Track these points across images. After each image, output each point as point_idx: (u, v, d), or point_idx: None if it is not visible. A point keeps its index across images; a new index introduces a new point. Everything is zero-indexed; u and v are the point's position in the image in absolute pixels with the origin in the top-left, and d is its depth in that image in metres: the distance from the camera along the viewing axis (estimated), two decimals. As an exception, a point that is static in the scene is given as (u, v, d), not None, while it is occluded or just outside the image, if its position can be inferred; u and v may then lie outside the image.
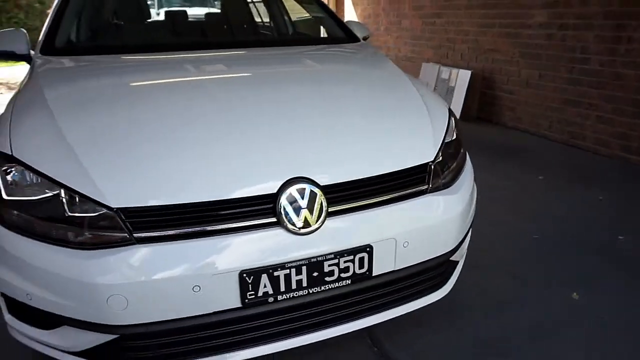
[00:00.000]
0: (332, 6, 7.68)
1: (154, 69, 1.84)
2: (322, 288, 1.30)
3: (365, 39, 2.72)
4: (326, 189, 1.28)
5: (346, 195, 1.33)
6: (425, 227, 1.42)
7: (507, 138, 4.33)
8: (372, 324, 1.43)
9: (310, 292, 1.29)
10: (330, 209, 1.29)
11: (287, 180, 1.25)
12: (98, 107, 1.45)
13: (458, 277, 1.70)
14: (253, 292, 1.22)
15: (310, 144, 1.37)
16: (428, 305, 1.56)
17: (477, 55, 4.89)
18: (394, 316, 1.48)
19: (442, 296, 1.59)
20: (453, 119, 1.80)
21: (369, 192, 1.36)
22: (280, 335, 1.31)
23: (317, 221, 1.25)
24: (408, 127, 1.58)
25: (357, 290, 1.37)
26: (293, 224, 1.22)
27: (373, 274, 1.36)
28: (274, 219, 1.22)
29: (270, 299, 1.24)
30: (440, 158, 1.54)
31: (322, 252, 1.26)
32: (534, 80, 4.26)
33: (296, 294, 1.27)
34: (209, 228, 1.18)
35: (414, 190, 1.43)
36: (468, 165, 1.75)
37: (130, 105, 1.48)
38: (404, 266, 1.41)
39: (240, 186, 1.22)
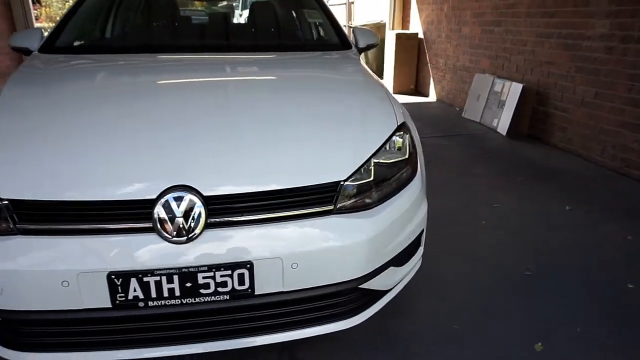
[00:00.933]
0: (397, 12, 7.51)
1: (123, 70, 1.95)
2: (198, 300, 1.28)
3: (370, 47, 2.63)
4: (210, 200, 1.27)
5: (233, 209, 1.30)
6: (322, 250, 1.34)
7: (552, 160, 3.91)
8: (264, 343, 1.38)
9: (185, 302, 1.28)
10: (213, 220, 1.27)
11: (170, 187, 1.25)
12: (37, 106, 1.57)
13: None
14: (123, 295, 1.24)
15: (207, 153, 1.36)
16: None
17: (532, 68, 4.48)
18: (290, 339, 1.41)
19: (352, 325, 1.48)
20: (407, 136, 1.68)
21: (260, 208, 1.32)
22: (156, 341, 1.32)
23: (192, 231, 1.24)
24: (332, 141, 1.49)
25: (241, 307, 1.33)
26: (167, 232, 1.23)
27: (256, 293, 1.31)
28: (149, 225, 1.24)
29: (141, 304, 1.26)
30: (361, 178, 1.44)
31: (195, 263, 1.25)
32: (589, 98, 3.80)
33: (168, 302, 1.27)
34: (83, 226, 1.23)
35: (314, 210, 1.36)
36: (412, 188, 1.61)
37: (68, 105, 1.58)
38: (296, 289, 1.34)
39: (120, 189, 1.25)
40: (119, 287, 1.23)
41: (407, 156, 1.66)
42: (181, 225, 1.23)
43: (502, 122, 4.69)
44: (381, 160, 1.56)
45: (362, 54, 2.70)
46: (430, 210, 2.85)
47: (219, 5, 4.33)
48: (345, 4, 11.72)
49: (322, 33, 2.58)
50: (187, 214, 1.23)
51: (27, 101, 1.61)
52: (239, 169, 1.34)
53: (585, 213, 2.87)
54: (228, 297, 1.30)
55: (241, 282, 1.29)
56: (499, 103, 4.82)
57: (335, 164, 1.42)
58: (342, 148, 1.47)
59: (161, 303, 1.26)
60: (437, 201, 3.00)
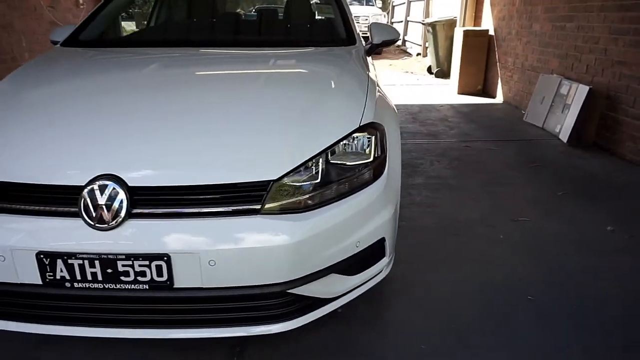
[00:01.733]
0: (470, 7, 7.09)
1: (110, 64, 2.04)
2: (119, 286, 1.32)
3: (387, 43, 2.51)
4: (135, 191, 1.29)
5: (157, 200, 1.31)
6: (241, 250, 1.30)
7: (613, 174, 3.44)
8: (183, 337, 1.39)
9: (107, 287, 1.32)
10: (137, 211, 1.30)
11: (100, 176, 1.30)
12: (23, 93, 1.72)
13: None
14: (51, 274, 1.31)
15: (138, 145, 1.38)
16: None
17: (603, 69, 3.97)
18: (211, 336, 1.40)
19: (284, 330, 1.43)
20: (374, 137, 1.58)
21: (184, 202, 1.32)
22: (82, 321, 1.38)
23: (114, 219, 1.27)
24: (274, 138, 1.45)
25: (160, 299, 1.35)
26: (90, 218, 1.28)
27: (175, 286, 1.31)
28: (75, 209, 1.29)
29: (68, 284, 1.32)
30: (301, 178, 1.38)
31: (114, 250, 1.28)
32: (664, 104, 3.28)
33: (92, 285, 1.32)
34: (17, 206, 1.32)
35: (239, 208, 1.33)
36: (367, 193, 1.51)
37: (32, 96, 1.70)
38: (215, 286, 1.32)
39: (52, 174, 1.32)
40: (47, 267, 1.30)
41: (370, 159, 1.56)
42: (104, 213, 1.27)
43: (565, 128, 4.22)
44: (335, 161, 1.48)
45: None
46: (440, 218, 2.68)
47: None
48: None
49: (334, 28, 2.51)
50: (110, 203, 1.27)
51: (20, 91, 1.76)
52: (167, 161, 1.35)
53: (629, 238, 2.49)
54: (147, 287, 1.32)
55: (159, 274, 1.30)
56: (564, 107, 4.34)
57: (269, 162, 1.37)
58: (281, 146, 1.42)
59: (86, 285, 1.32)
60: (453, 209, 2.81)
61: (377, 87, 2.13)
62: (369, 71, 2.14)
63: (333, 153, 1.49)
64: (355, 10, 12.22)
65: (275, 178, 1.34)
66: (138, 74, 1.89)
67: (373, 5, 13.04)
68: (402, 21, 14.02)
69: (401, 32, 14.24)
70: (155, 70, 1.92)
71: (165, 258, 1.28)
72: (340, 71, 1.87)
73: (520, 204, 2.91)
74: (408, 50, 12.74)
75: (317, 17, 2.61)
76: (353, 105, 1.65)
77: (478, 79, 6.70)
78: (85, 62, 2.05)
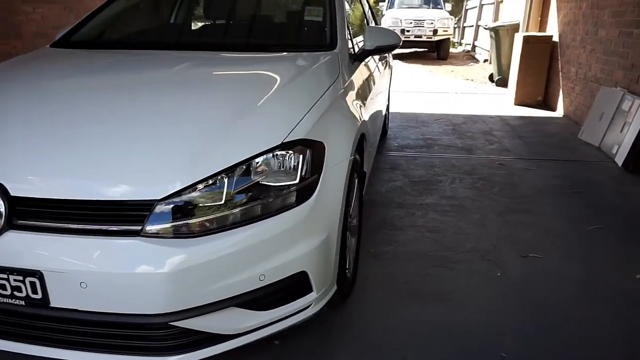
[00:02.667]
0: (534, 11, 6.47)
1: (72, 67, 1.97)
2: None
3: (383, 49, 2.28)
4: (19, 201, 1.22)
5: (38, 213, 1.23)
6: (112, 275, 1.18)
7: (671, 208, 2.89)
8: (60, 357, 1.28)
9: None
10: (18, 223, 1.22)
11: None
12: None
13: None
14: None
15: (27, 153, 1.30)
16: None
17: (673, 83, 3.38)
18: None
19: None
20: (302, 157, 1.39)
21: (69, 216, 1.22)
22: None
23: None
24: (171, 153, 1.30)
25: (38, 316, 1.26)
26: None
27: (51, 305, 1.22)
28: None
29: None
30: (197, 198, 1.24)
31: None
32: None
33: None
34: None
35: (119, 228, 1.20)
36: (281, 219, 1.32)
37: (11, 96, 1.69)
38: (94, 310, 1.21)
39: None
40: None
41: (296, 181, 1.37)
42: None
43: (621, 150, 3.65)
44: (249, 180, 1.32)
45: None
46: (437, 246, 2.38)
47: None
48: (494, 3, 10.63)
49: (318, 32, 2.31)
50: (-10, 212, 1.21)
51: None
52: (54, 172, 1.26)
53: (662, 289, 2.03)
54: (24, 303, 1.24)
55: (34, 291, 1.21)
56: (624, 125, 3.76)
57: (159, 179, 1.24)
58: (179, 161, 1.27)
59: (-34, 293, 1.27)
60: (457, 237, 2.50)
61: (351, 99, 1.93)
62: (344, 79, 1.93)
63: (248, 171, 1.32)
64: (420, 14, 11.76)
65: (159, 198, 1.21)
66: (79, 79, 1.82)
67: (441, 9, 12.45)
68: (473, 25, 13.30)
69: (472, 37, 13.51)
70: (96, 75, 1.85)
71: (37, 275, 1.19)
72: (286, 80, 1.69)
73: (538, 237, 2.52)
74: (476, 57, 12.04)
75: (305, 19, 2.43)
76: (283, 119, 1.46)
77: (538, 89, 6.09)
78: (44, 65, 2.01)
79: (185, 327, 1.25)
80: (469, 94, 7.14)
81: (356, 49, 2.32)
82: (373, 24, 3.95)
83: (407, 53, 13.88)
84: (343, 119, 1.69)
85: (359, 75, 2.20)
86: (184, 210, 1.23)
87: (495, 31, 7.59)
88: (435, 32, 11.43)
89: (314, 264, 1.42)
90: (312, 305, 1.47)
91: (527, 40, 5.90)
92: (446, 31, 11.57)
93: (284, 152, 1.38)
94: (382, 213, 2.78)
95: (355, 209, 2.08)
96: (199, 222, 1.24)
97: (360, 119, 1.94)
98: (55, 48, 2.28)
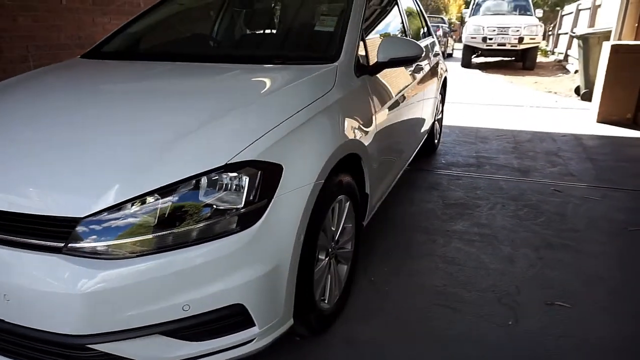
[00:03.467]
0: (630, 16, 5.70)
1: (80, 77, 2.02)
2: None
3: (398, 62, 2.10)
4: None
5: None
6: (29, 290, 1.16)
7: None
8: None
9: None
10: None
11: None
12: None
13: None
14: None
15: None
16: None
17: None
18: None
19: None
20: (249, 180, 1.29)
21: (8, 227, 1.23)
22: None
23: None
24: (107, 169, 1.26)
25: None
26: None
27: None
28: None
29: None
30: (124, 217, 1.19)
31: None
32: None
33: None
34: None
35: (47, 243, 1.19)
36: (216, 246, 1.24)
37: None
38: (18, 323, 1.21)
39: None
40: None
41: (240, 205, 1.28)
42: None
43: None
44: (186, 202, 1.25)
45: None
46: (450, 281, 2.17)
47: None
48: (590, 8, 9.62)
49: (324, 42, 2.18)
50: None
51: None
52: (11, 186, 1.27)
53: None
54: None
55: None
56: None
57: (86, 195, 1.20)
58: (106, 180, 1.23)
59: None
60: (476, 272, 2.27)
61: (345, 115, 1.79)
62: (339, 94, 1.79)
63: (185, 191, 1.25)
64: (505, 20, 11.02)
65: (82, 215, 1.17)
66: (58, 92, 1.82)
67: (530, 15, 11.53)
68: (567, 33, 12.17)
69: (565, 45, 12.35)
70: (81, 87, 1.86)
71: None
72: (258, 95, 1.59)
73: (573, 282, 2.15)
74: (568, 67, 10.99)
75: (316, 29, 2.31)
76: (237, 137, 1.36)
77: (627, 105, 5.35)
78: (58, 76, 2.09)
79: (105, 351, 1.21)
80: (547, 108, 6.50)
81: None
82: (424, 32, 3.73)
83: (490, 62, 13.11)
84: (317, 138, 1.55)
85: (367, 90, 2.03)
86: (108, 229, 1.19)
87: (584, 39, 6.84)
88: (520, 40, 10.65)
89: (255, 297, 1.30)
90: (255, 340, 1.36)
91: (616, 49, 5.22)
92: (533, 39, 10.72)
93: (228, 174, 1.29)
94: (399, 237, 2.57)
95: (348, 235, 1.93)
96: (123, 243, 1.19)
97: (353, 137, 1.79)
98: (83, 59, 2.39)
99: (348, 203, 1.85)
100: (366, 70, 2.08)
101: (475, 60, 12.70)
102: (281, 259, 1.36)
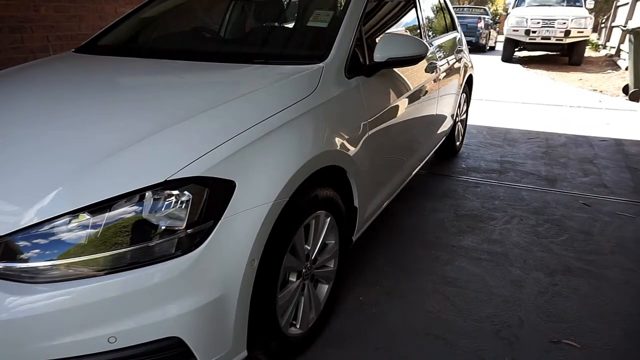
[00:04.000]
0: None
1: (64, 73, 1.93)
2: None
3: (396, 62, 1.90)
4: None
5: None
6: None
7: None
8: None
9: None
10: None
11: None
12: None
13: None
14: None
15: None
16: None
17: None
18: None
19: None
20: (193, 199, 1.16)
21: None
22: None
23: None
24: (37, 182, 1.15)
25: None
26: None
27: None
28: None
29: None
30: (42, 237, 1.08)
31: None
32: None
33: None
34: None
35: None
36: (146, 272, 1.11)
37: None
38: None
39: None
40: None
41: (182, 227, 1.15)
42: None
43: None
44: (115, 224, 1.12)
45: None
46: (442, 306, 1.94)
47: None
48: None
49: (314, 40, 1.99)
50: None
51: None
52: None
53: None
54: None
55: None
56: None
57: (11, 212, 1.10)
58: (28, 194, 1.12)
59: None
60: (475, 295, 2.09)
61: (330, 121, 1.62)
62: (323, 97, 1.62)
63: (118, 210, 1.12)
64: (551, 12, 10.34)
65: (6, 233, 1.07)
66: (49, 86, 1.74)
67: (580, 6, 10.75)
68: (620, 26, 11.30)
69: (618, 38, 11.48)
70: (61, 83, 1.76)
71: None
72: (222, 100, 1.42)
73: (588, 317, 1.90)
74: (619, 63, 10.22)
75: (309, 25, 2.12)
76: (184, 150, 1.22)
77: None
78: (43, 70, 2.00)
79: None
80: (589, 108, 6.03)
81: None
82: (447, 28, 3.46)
83: (533, 57, 12.42)
84: (283, 150, 1.38)
85: (360, 93, 1.84)
86: (28, 248, 1.08)
87: (636, 34, 6.29)
88: (567, 33, 9.97)
89: (195, 329, 1.17)
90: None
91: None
92: (582, 32, 10.01)
93: (169, 192, 1.15)
94: (398, 251, 2.38)
95: (330, 252, 1.77)
96: (44, 266, 1.08)
97: (335, 147, 1.61)
98: (75, 53, 2.31)
99: (329, 219, 1.69)
100: (361, 71, 1.90)
101: (518, 54, 12.06)
102: (228, 287, 1.22)
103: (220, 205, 1.20)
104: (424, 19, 2.83)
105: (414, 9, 2.74)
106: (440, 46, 3.01)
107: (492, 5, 29.05)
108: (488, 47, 15.17)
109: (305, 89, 1.59)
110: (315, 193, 1.55)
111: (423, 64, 2.56)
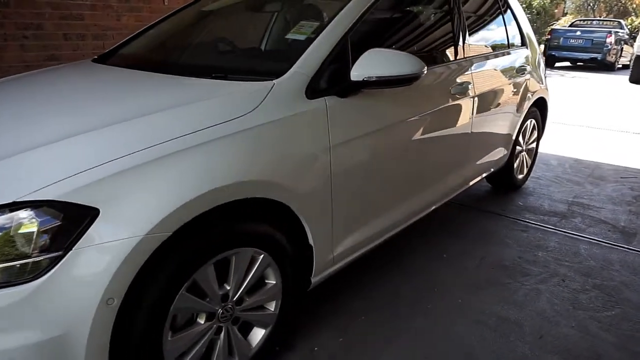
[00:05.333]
0: None
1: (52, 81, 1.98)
2: None
3: (377, 83, 1.63)
4: None
5: None
6: None
7: None
8: None
9: None
10: None
11: None
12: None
13: None
14: None
15: None
16: None
17: None
18: None
19: None
20: (32, 225, 1.08)
21: None
22: None
23: None
24: None
25: None
26: None
27: None
28: None
29: None
30: None
31: None
32: None
33: None
34: None
35: None
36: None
37: None
38: None
39: None
40: None
41: (27, 252, 1.06)
42: None
43: None
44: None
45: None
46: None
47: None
48: None
49: (284, 55, 1.77)
50: None
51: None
52: None
53: None
54: None
55: None
56: None
57: None
58: None
59: None
60: None
61: (263, 147, 1.44)
62: (263, 118, 1.43)
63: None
64: None
65: None
66: (38, 91, 1.79)
67: None
68: None
69: None
70: (49, 89, 1.78)
71: None
72: (131, 115, 1.31)
73: None
74: None
75: (288, 37, 1.89)
76: (53, 168, 1.13)
77: None
78: (53, 76, 2.08)
79: None
80: None
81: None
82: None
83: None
84: (179, 177, 1.20)
85: (324, 116, 1.58)
86: None
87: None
88: None
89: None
90: None
91: None
92: None
93: (15, 213, 1.06)
94: (386, 299, 2.04)
95: (268, 294, 1.56)
96: None
97: (268, 177, 1.40)
98: (92, 62, 2.37)
99: (262, 256, 1.48)
100: (332, 91, 1.65)
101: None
102: (74, 326, 1.08)
103: (74, 233, 1.08)
104: (464, 33, 2.44)
105: (448, 22, 2.38)
106: (482, 66, 2.56)
107: (637, 17, 25.43)
108: (619, 66, 13.27)
109: (238, 109, 1.41)
110: (232, 228, 1.36)
111: (443, 85, 2.20)
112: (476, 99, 2.42)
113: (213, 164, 1.29)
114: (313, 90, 1.59)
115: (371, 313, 1.96)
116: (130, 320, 1.19)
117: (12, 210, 1.06)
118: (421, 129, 2.05)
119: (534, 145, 3.49)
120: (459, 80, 2.28)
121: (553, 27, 14.47)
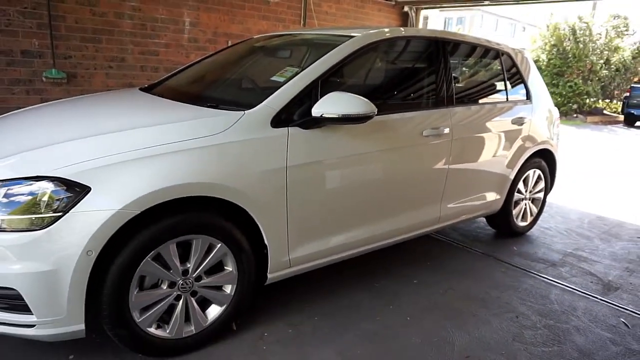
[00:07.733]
0: None
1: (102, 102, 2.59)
2: None
3: (338, 119, 2.02)
4: None
5: None
6: None
7: None
8: None
9: None
10: None
11: None
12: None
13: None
14: None
15: None
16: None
17: None
18: None
19: None
20: (48, 190, 1.59)
21: None
22: None
23: None
24: None
25: None
26: None
27: None
28: None
29: None
30: None
31: None
32: None
33: None
34: None
35: None
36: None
37: None
38: None
39: None
40: None
41: (41, 210, 1.57)
42: None
43: None
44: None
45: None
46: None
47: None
48: None
49: (264, 91, 2.19)
50: None
51: None
52: None
53: None
54: None
55: None
56: None
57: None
58: None
59: None
60: None
61: (226, 164, 1.86)
62: (222, 139, 1.84)
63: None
64: None
65: None
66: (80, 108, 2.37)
67: None
68: None
69: None
70: (88, 108, 2.39)
71: None
72: (125, 126, 1.83)
73: None
74: None
75: (271, 78, 2.31)
76: (65, 158, 1.64)
77: None
78: (104, 99, 2.71)
79: None
80: None
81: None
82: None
83: None
84: (151, 173, 1.66)
85: (284, 142, 1.95)
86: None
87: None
88: None
89: (30, 288, 1.54)
90: (36, 327, 1.59)
91: None
92: None
93: (37, 183, 1.58)
94: (331, 312, 2.31)
95: (226, 278, 1.95)
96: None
97: (229, 183, 1.82)
98: (139, 90, 2.96)
99: (219, 245, 1.88)
100: (296, 123, 2.04)
101: None
102: (63, 265, 1.55)
103: (72, 201, 1.57)
104: (448, 85, 2.71)
105: (432, 74, 2.68)
106: (467, 114, 2.79)
107: None
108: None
109: (207, 130, 1.85)
110: (194, 218, 1.79)
111: (412, 128, 2.47)
112: (454, 142, 2.68)
113: (176, 167, 1.74)
114: (278, 121, 2.00)
115: (326, 315, 2.26)
116: (105, 272, 1.64)
117: (38, 180, 1.58)
118: (380, 164, 2.35)
119: (540, 195, 3.59)
120: (434, 124, 2.57)
121: (633, 84, 13.78)
